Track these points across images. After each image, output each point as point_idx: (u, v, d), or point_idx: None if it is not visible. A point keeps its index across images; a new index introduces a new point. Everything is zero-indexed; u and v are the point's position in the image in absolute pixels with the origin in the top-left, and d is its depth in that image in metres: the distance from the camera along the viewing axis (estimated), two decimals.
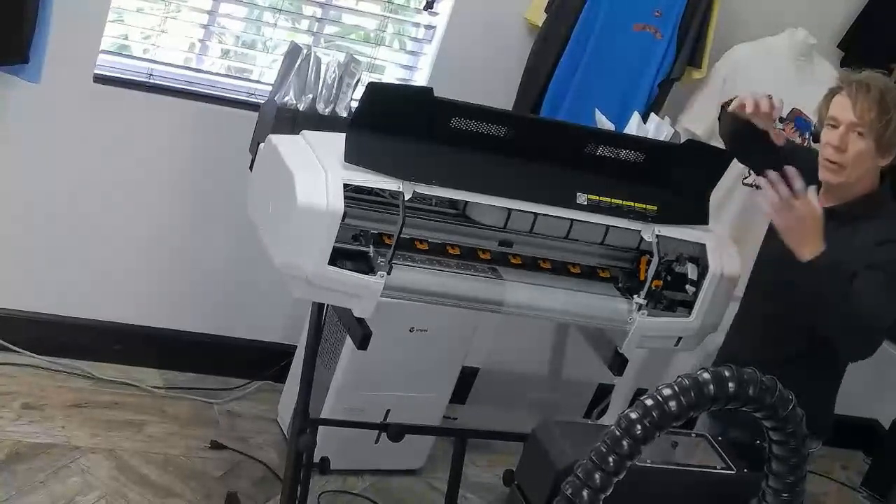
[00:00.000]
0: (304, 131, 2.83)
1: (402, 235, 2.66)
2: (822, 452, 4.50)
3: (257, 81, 3.76)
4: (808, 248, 2.56)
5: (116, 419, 3.61)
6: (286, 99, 3.22)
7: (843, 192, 2.77)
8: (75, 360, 3.78)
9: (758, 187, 3.84)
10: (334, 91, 3.26)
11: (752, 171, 3.86)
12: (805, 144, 3.83)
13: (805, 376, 2.67)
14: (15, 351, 3.71)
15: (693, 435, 2.49)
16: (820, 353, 2.77)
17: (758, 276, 3.00)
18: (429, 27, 3.84)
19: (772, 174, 2.57)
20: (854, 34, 4.14)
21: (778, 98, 2.83)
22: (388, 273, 2.66)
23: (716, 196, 3.22)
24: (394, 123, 2.65)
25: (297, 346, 3.73)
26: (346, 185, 2.59)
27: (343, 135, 2.65)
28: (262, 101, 3.38)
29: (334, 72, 3.25)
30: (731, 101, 2.89)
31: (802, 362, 2.75)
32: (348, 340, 3.29)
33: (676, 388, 1.30)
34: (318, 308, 3.08)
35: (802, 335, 2.76)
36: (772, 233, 2.90)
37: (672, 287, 2.97)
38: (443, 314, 3.21)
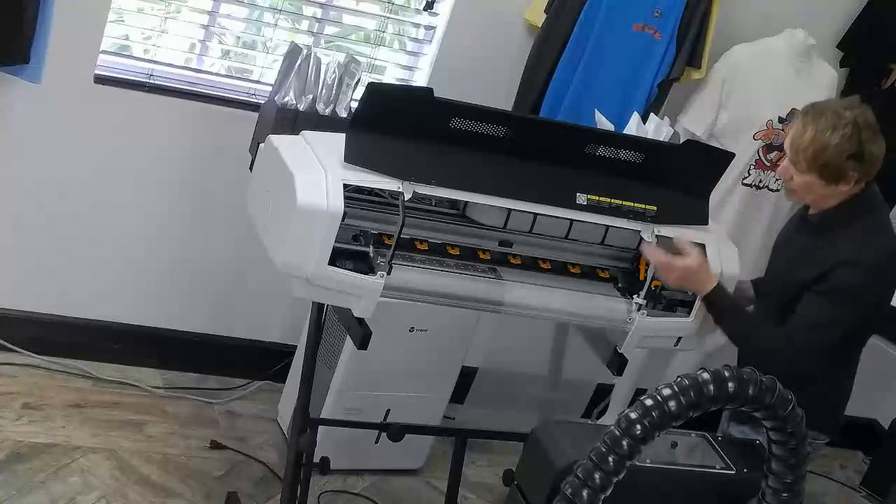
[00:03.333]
0: (304, 131, 2.83)
1: (401, 235, 2.66)
2: (823, 452, 4.52)
3: (257, 82, 3.76)
4: (704, 285, 2.81)
5: (116, 419, 3.61)
6: (286, 99, 3.22)
7: (817, 204, 2.81)
8: (75, 360, 3.78)
9: (758, 187, 3.89)
10: (334, 91, 3.26)
11: (751, 171, 3.87)
12: None
13: (807, 374, 2.71)
14: (15, 351, 3.71)
15: (693, 435, 2.49)
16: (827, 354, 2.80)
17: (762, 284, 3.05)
18: (429, 27, 3.84)
19: (646, 248, 2.84)
20: (854, 34, 4.14)
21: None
22: (388, 273, 2.66)
23: (715, 196, 3.23)
24: (394, 124, 2.65)
25: (297, 346, 3.73)
26: (346, 186, 2.59)
27: (343, 135, 2.66)
28: (263, 102, 3.38)
29: (334, 72, 3.25)
30: None
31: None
32: (348, 340, 3.29)
33: (676, 388, 1.30)
34: (318, 308, 3.08)
35: None
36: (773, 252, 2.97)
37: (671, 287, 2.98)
38: (443, 314, 3.21)
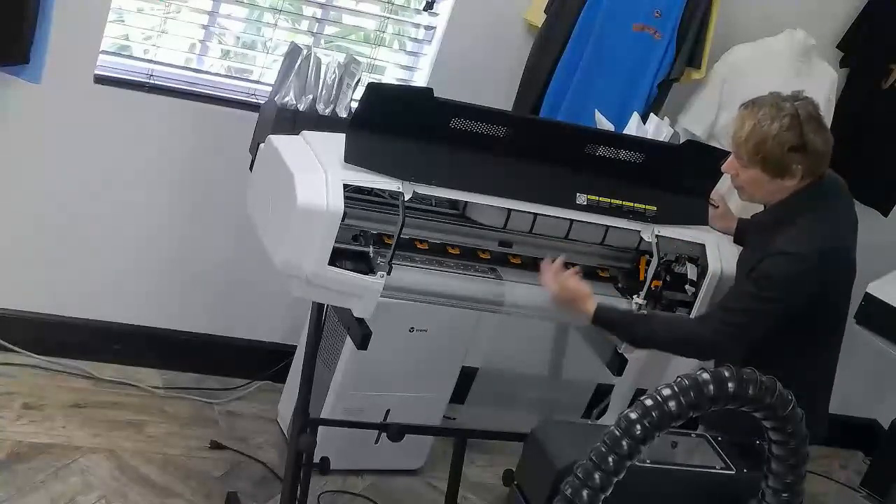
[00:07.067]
0: (304, 131, 2.84)
1: (401, 235, 2.66)
2: (824, 452, 4.52)
3: (257, 82, 3.76)
4: (583, 312, 2.77)
5: (116, 419, 3.61)
6: (286, 99, 3.22)
7: (766, 201, 2.78)
8: (75, 360, 3.78)
9: None
10: (334, 91, 3.26)
11: None
12: None
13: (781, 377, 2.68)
14: (15, 351, 3.71)
15: (693, 435, 2.49)
16: (786, 361, 2.75)
17: None
18: (429, 27, 3.84)
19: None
20: (854, 34, 4.14)
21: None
22: (388, 273, 2.66)
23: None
24: (394, 124, 2.65)
25: (297, 346, 3.73)
26: (346, 186, 2.60)
27: (343, 135, 2.66)
28: (263, 102, 3.38)
29: (334, 72, 3.25)
30: None
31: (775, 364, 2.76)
32: (348, 340, 3.29)
33: (676, 388, 1.30)
34: (318, 308, 3.08)
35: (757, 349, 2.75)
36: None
37: (671, 287, 2.98)
38: (443, 314, 3.21)
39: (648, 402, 1.30)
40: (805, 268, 2.64)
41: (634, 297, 2.95)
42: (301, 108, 3.22)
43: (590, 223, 2.88)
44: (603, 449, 1.29)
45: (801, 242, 2.65)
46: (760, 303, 2.65)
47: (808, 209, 2.70)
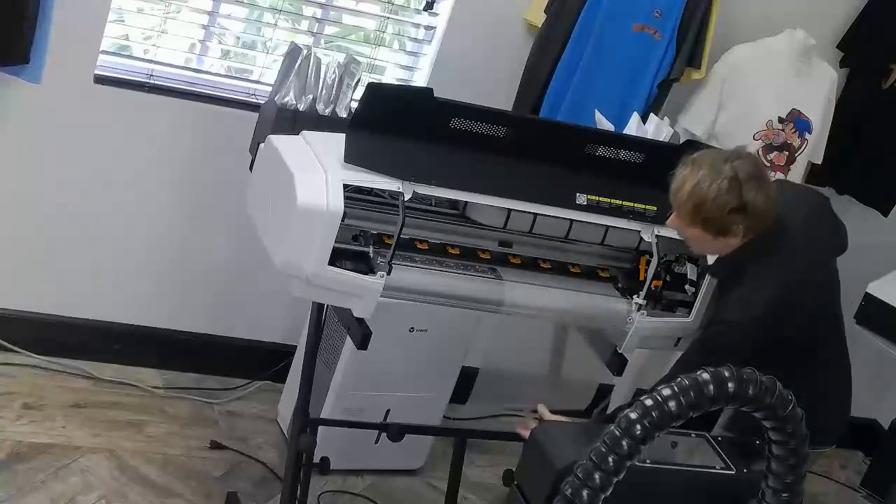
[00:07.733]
0: (304, 131, 2.84)
1: (401, 235, 2.66)
2: (824, 452, 4.52)
3: (257, 82, 3.76)
4: None
5: (116, 419, 3.61)
6: (286, 99, 3.22)
7: (715, 254, 2.78)
8: (75, 360, 3.78)
9: None
10: (334, 91, 3.26)
11: None
12: (803, 145, 3.85)
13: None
14: (15, 351, 3.71)
15: (693, 435, 2.49)
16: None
17: None
18: (429, 27, 3.84)
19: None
20: (854, 34, 4.14)
21: None
22: (388, 273, 2.66)
23: None
24: (394, 124, 2.65)
25: (297, 346, 3.73)
26: (346, 186, 2.60)
27: (343, 135, 2.66)
28: (263, 102, 3.38)
29: (334, 72, 3.25)
30: None
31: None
32: (348, 340, 3.29)
33: (676, 388, 1.30)
34: (319, 308, 3.08)
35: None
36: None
37: (671, 287, 2.98)
38: (443, 314, 3.21)
39: (648, 402, 1.30)
40: (745, 332, 2.65)
41: (634, 297, 2.95)
42: (301, 108, 3.22)
43: (590, 223, 2.88)
44: (603, 449, 1.29)
45: (743, 306, 2.66)
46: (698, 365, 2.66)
47: (753, 262, 2.68)
